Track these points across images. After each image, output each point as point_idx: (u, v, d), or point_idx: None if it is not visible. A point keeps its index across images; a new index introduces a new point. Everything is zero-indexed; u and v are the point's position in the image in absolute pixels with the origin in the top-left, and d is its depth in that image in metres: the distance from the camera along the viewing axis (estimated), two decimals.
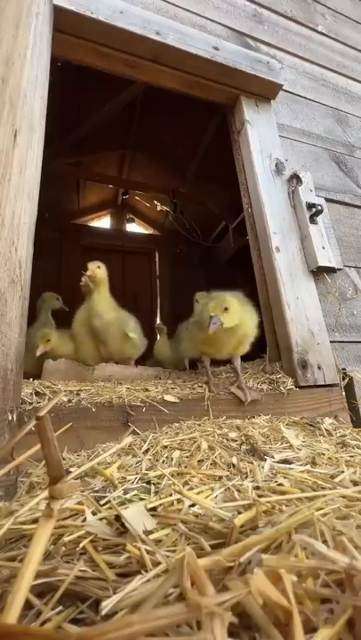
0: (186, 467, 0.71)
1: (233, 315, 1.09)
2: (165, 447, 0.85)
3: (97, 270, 1.65)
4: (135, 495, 0.57)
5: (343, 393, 1.34)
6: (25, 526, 0.49)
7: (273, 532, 0.39)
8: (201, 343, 1.28)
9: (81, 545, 0.43)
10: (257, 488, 0.59)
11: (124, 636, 0.23)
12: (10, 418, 0.83)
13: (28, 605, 0.35)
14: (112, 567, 0.40)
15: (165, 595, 0.32)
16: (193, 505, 0.52)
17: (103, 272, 1.67)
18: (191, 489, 0.60)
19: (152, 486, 0.61)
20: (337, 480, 0.62)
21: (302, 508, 0.45)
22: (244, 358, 1.36)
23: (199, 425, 1.05)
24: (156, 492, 0.58)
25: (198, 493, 0.57)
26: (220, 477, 0.66)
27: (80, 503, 0.53)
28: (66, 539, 0.45)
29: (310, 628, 0.28)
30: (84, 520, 0.49)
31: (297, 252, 1.51)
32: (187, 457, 0.78)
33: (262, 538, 0.38)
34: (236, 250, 3.88)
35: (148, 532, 0.45)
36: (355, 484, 0.60)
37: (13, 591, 0.30)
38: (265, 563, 0.33)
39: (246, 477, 0.66)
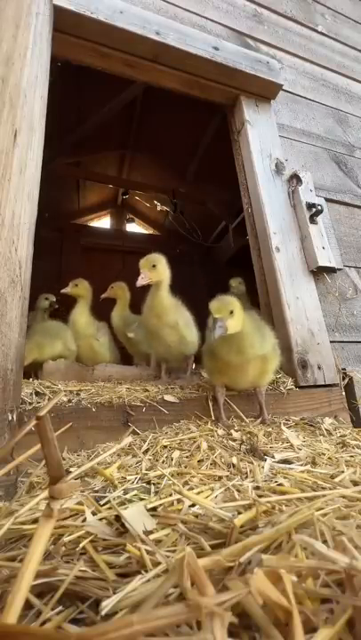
0: (186, 467, 0.71)
1: (238, 320, 0.96)
2: (165, 447, 0.85)
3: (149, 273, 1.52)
4: (135, 495, 0.57)
5: (343, 393, 1.34)
6: (25, 526, 0.49)
7: (273, 532, 0.39)
8: (216, 372, 1.13)
9: (81, 545, 0.43)
10: (257, 488, 0.59)
11: (124, 635, 0.23)
12: (10, 418, 0.83)
13: (27, 605, 0.35)
14: (112, 567, 0.40)
15: (165, 595, 0.32)
16: (193, 505, 0.52)
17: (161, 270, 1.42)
18: (191, 489, 0.60)
19: (152, 486, 0.61)
20: (337, 480, 0.62)
21: (302, 508, 0.45)
22: None
23: (200, 425, 1.05)
24: (156, 492, 0.58)
25: (198, 493, 0.57)
26: (220, 477, 0.66)
27: (80, 503, 0.53)
28: (66, 539, 0.45)
29: (310, 628, 0.28)
30: (84, 520, 0.49)
31: (297, 252, 1.51)
32: (187, 457, 0.78)
33: (262, 538, 0.38)
34: (236, 250, 3.88)
35: (148, 532, 0.45)
36: (355, 483, 0.60)
37: (13, 591, 0.30)
38: (265, 563, 0.33)
39: (246, 477, 0.66)
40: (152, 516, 0.49)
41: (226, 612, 0.26)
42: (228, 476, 0.66)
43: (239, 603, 0.29)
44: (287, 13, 2.13)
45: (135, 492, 0.58)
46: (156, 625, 0.24)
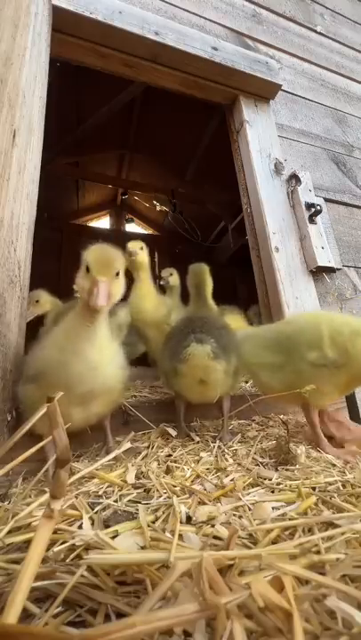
0: (186, 469, 0.71)
1: (121, 283, 0.74)
2: (163, 449, 0.84)
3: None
4: (130, 503, 0.56)
5: None
6: (25, 527, 0.49)
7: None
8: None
9: (76, 552, 0.43)
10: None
11: (126, 636, 0.23)
12: (9, 418, 0.83)
13: (26, 607, 0.35)
14: (109, 574, 0.39)
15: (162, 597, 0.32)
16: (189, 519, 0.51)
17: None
18: (192, 493, 0.59)
19: (149, 493, 0.61)
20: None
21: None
22: None
23: (201, 427, 1.05)
24: (152, 498, 0.58)
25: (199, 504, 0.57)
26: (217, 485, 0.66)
27: (74, 507, 0.53)
28: (63, 546, 0.44)
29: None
30: (81, 526, 0.49)
31: (296, 251, 1.51)
32: (187, 460, 0.78)
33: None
34: (235, 250, 3.88)
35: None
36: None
37: (14, 591, 0.29)
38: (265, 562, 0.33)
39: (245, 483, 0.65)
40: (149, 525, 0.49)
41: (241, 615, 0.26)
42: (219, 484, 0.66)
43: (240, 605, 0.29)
44: (286, 14, 2.13)
45: (132, 497, 0.58)
46: (158, 626, 0.24)
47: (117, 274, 0.71)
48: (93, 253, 0.71)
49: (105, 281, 0.67)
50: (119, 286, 0.72)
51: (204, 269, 1.27)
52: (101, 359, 0.72)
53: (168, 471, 0.69)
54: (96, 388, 0.73)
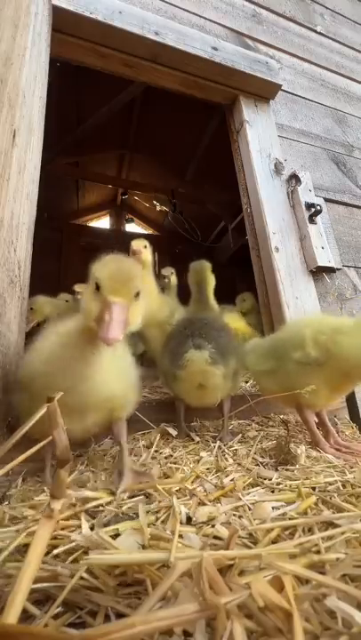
0: (186, 470, 0.71)
1: (142, 307, 0.58)
2: (163, 449, 0.84)
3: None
4: (130, 509, 0.56)
5: None
6: (25, 528, 0.49)
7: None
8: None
9: (75, 555, 0.43)
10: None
11: (126, 636, 0.23)
12: (9, 418, 0.83)
13: (26, 608, 0.35)
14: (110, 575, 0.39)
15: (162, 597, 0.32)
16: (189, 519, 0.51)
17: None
18: (193, 495, 0.59)
19: (149, 497, 0.60)
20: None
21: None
22: None
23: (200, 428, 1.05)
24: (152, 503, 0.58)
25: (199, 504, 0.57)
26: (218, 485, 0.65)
27: (78, 513, 0.53)
28: (62, 548, 0.44)
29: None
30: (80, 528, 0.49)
31: (296, 251, 1.51)
32: (187, 460, 0.78)
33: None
34: (235, 250, 3.88)
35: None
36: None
37: (13, 591, 0.29)
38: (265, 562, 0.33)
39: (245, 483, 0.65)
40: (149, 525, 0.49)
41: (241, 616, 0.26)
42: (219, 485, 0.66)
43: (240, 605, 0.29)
44: (286, 14, 2.13)
45: (131, 505, 0.57)
46: (158, 626, 0.24)
47: (137, 294, 0.54)
48: (107, 267, 0.54)
49: (121, 303, 0.51)
50: (139, 311, 0.56)
51: (206, 266, 1.26)
52: (108, 376, 0.62)
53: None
54: (92, 401, 0.64)
